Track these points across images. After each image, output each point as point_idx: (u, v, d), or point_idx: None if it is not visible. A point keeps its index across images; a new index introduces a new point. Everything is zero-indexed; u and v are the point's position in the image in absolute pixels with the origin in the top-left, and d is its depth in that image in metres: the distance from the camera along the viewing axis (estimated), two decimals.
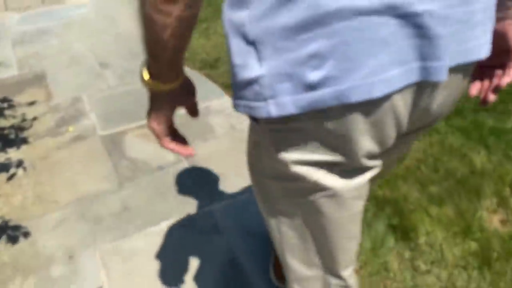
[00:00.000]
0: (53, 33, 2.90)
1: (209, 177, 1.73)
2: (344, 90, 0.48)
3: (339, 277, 0.75)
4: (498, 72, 0.69)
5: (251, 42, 0.51)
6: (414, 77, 0.50)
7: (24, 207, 1.62)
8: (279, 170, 0.61)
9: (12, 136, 1.99)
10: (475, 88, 0.72)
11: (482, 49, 0.54)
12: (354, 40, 0.47)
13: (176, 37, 0.51)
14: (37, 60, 2.59)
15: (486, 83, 0.71)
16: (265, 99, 0.52)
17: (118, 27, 2.94)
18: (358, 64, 0.48)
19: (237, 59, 0.53)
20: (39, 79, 2.41)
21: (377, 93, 0.49)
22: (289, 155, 0.58)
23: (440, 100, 0.58)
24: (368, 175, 0.62)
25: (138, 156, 1.85)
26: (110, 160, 1.83)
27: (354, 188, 0.62)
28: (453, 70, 0.54)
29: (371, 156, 0.59)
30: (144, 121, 2.06)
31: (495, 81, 0.69)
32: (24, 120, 2.09)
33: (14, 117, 2.12)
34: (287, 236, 0.71)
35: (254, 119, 0.60)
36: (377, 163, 0.62)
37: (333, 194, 0.61)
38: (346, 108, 0.51)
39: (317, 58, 0.48)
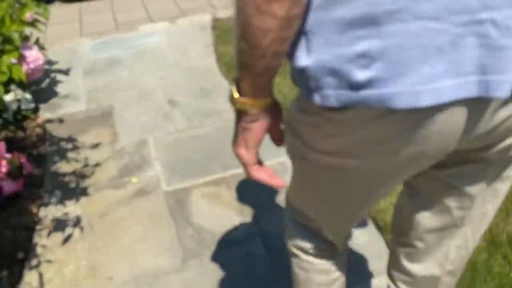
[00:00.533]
0: (123, 63, 2.79)
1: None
2: (390, 94, 0.47)
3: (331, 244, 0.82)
4: None
5: (303, 32, 0.50)
6: (470, 92, 0.47)
7: (76, 280, 1.42)
8: (323, 145, 0.59)
9: (73, 184, 1.84)
10: None
11: None
12: (408, 44, 0.45)
13: (278, 41, 0.50)
14: (105, 94, 2.47)
15: None
16: (309, 90, 0.51)
17: (189, 60, 2.77)
18: (409, 70, 0.46)
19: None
20: (106, 117, 2.28)
21: (425, 102, 0.46)
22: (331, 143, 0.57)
23: (494, 122, 0.53)
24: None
25: (204, 223, 1.61)
26: (174, 226, 1.60)
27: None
28: None
29: (415, 165, 0.57)
30: (212, 176, 1.83)
31: None
32: (86, 165, 1.94)
33: (77, 161, 1.98)
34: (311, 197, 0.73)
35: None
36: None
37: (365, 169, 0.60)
38: (389, 112, 0.49)
39: (366, 58, 0.47)
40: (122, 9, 3.72)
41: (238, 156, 0.61)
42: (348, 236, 0.88)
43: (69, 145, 2.08)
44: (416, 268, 0.76)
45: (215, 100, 2.34)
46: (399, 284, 0.81)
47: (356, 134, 0.53)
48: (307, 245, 0.84)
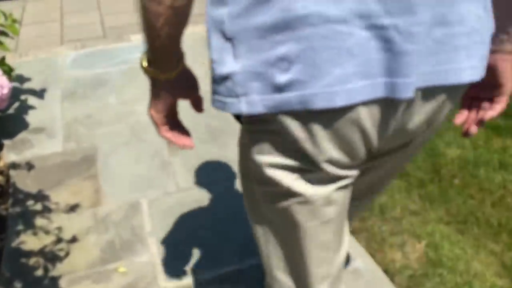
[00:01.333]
0: (111, 85, 2.30)
1: None
2: (308, 95, 0.49)
3: None
4: (486, 105, 0.68)
5: (228, 39, 0.52)
6: (379, 92, 0.50)
7: None
8: (257, 172, 0.61)
9: (39, 272, 1.38)
10: (460, 118, 0.71)
11: (463, 74, 0.53)
12: (321, 47, 0.48)
13: (170, 25, 0.52)
14: (87, 129, 2.00)
15: (472, 114, 0.70)
16: (237, 96, 0.53)
17: None
18: (323, 72, 0.49)
19: (215, 55, 0.54)
20: (87, 163, 1.81)
21: (339, 102, 0.49)
22: (263, 157, 0.59)
23: (417, 121, 0.57)
24: (341, 183, 0.62)
25: None
26: None
27: (325, 196, 0.62)
28: (429, 91, 0.54)
29: (340, 165, 0.59)
30: (225, 268, 1.39)
31: (481, 114, 0.69)
32: (59, 240, 1.48)
33: (47, 232, 1.52)
34: (270, 242, 0.71)
35: (238, 119, 0.66)
36: (349, 173, 0.62)
37: (304, 201, 0.62)
38: (310, 114, 0.52)
39: (285, 61, 0.49)
40: (111, 10, 3.20)
41: (150, 117, 0.64)
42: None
43: (39, 207, 1.61)
44: None
45: (227, 146, 1.89)
46: None
47: (286, 143, 0.56)
48: None
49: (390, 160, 0.68)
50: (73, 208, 1.61)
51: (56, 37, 2.84)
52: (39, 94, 2.22)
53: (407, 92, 0.50)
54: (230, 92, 0.53)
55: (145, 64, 0.59)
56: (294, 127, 0.53)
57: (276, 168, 0.59)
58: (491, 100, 0.68)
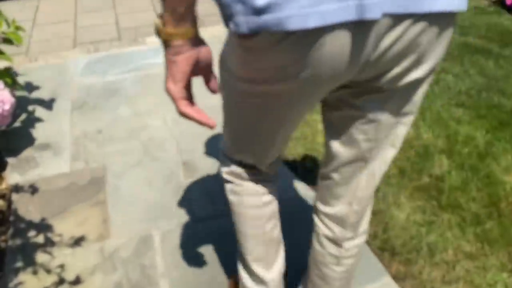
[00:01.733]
0: (123, 94, 2.12)
1: None
2: (283, 17, 0.51)
3: (263, 172, 0.90)
4: None
5: None
6: (350, 15, 0.51)
7: None
8: (236, 75, 0.66)
9: None
10: None
11: (437, 2, 0.53)
12: None
13: None
14: (97, 146, 1.83)
15: None
16: (226, 18, 0.56)
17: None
18: None
19: None
20: (95, 186, 1.64)
21: (311, 23, 0.50)
22: (243, 70, 0.63)
23: (396, 50, 0.58)
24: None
25: None
26: None
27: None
28: (404, 18, 0.54)
29: (314, 83, 0.61)
30: None
31: None
32: (61, 282, 1.32)
33: (48, 271, 1.35)
34: (237, 127, 0.81)
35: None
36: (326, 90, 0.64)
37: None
38: (286, 36, 0.53)
39: None
40: (127, 9, 3.01)
41: (167, 91, 0.63)
42: (277, 163, 0.92)
43: (40, 239, 1.45)
44: (327, 209, 0.88)
45: None
46: (322, 216, 0.90)
47: (262, 60, 0.58)
48: (238, 169, 0.90)
49: (380, 103, 0.68)
50: (78, 242, 1.44)
51: (69, 40, 2.68)
52: (48, 104, 2.06)
53: (374, 12, 0.51)
54: (223, 14, 0.56)
55: (159, 24, 0.59)
56: (276, 47, 0.55)
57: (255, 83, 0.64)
58: None
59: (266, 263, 0.97)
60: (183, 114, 0.65)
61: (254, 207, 0.92)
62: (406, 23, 0.54)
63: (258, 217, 0.93)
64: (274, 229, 0.96)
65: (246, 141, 0.82)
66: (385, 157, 0.77)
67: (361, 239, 0.90)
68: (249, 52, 0.58)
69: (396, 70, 0.61)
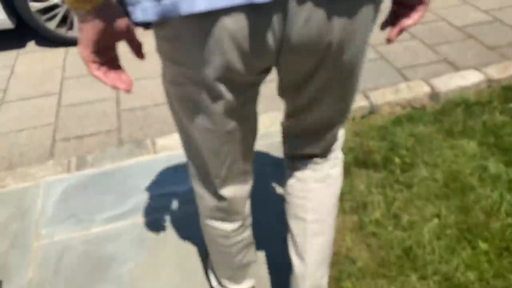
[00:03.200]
0: (119, 270, 1.25)
1: None
2: (177, 2, 0.51)
3: (217, 195, 0.85)
4: (406, 13, 0.69)
5: None
6: None
7: None
8: (168, 75, 0.67)
9: None
10: (385, 25, 0.73)
11: None
12: None
13: None
14: None
15: (396, 22, 0.71)
16: (133, 4, 0.55)
17: None
18: None
19: None
20: None
21: (200, 7, 0.50)
22: (169, 63, 0.63)
23: (302, 37, 0.56)
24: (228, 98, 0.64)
25: None
26: None
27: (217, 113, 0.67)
28: (304, 1, 0.52)
29: (224, 79, 0.61)
30: None
31: (401, 22, 0.70)
32: None
33: None
34: (188, 140, 0.77)
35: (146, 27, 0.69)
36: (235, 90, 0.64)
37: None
38: (185, 21, 0.53)
39: None
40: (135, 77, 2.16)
41: (80, 54, 0.63)
42: (244, 198, 0.89)
43: None
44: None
45: None
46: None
47: (176, 48, 0.58)
48: (211, 206, 0.88)
49: (312, 82, 0.68)
50: None
51: (46, 140, 1.84)
52: None
53: None
54: (129, 0, 0.55)
55: None
56: (177, 33, 0.56)
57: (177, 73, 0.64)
58: (412, 9, 0.68)
59: (235, 280, 1.05)
60: (93, 76, 0.64)
61: (224, 242, 0.95)
62: (307, 6, 0.53)
63: (228, 249, 0.96)
64: (243, 258, 1.00)
65: (195, 154, 0.79)
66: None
67: (334, 163, 0.93)
68: (164, 42, 0.59)
69: (315, 57, 0.61)
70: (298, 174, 0.92)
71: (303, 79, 0.67)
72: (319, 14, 0.54)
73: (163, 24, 0.56)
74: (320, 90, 0.69)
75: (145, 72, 2.29)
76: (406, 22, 0.69)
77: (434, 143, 1.65)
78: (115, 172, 1.60)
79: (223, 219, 0.90)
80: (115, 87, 0.65)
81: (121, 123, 1.92)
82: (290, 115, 0.82)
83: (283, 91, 0.74)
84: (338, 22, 0.56)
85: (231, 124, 0.70)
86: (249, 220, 0.96)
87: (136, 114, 1.98)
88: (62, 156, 1.74)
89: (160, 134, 1.83)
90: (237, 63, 0.58)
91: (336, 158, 0.92)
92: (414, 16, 0.68)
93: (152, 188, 1.53)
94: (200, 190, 0.86)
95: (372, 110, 1.85)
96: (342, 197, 1.46)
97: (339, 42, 0.59)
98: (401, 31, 0.70)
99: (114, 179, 1.57)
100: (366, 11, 0.58)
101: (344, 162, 1.60)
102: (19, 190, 1.55)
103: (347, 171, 1.56)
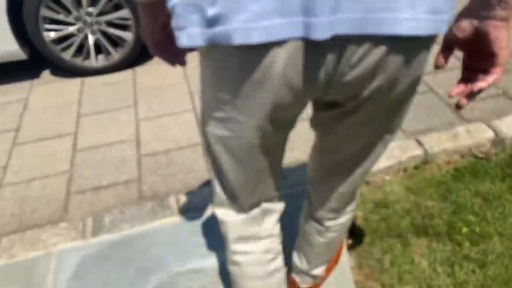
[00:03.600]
0: None
1: None
2: (230, 30, 0.49)
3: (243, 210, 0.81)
4: (480, 77, 0.62)
5: None
6: (296, 32, 0.49)
7: None
8: (208, 99, 0.65)
9: None
10: (455, 90, 0.65)
11: (400, 25, 0.49)
12: None
13: None
14: None
15: (468, 87, 0.64)
16: (180, 29, 0.53)
17: None
18: (242, 7, 0.48)
19: None
20: None
21: (255, 39, 0.49)
22: (212, 88, 0.62)
23: (355, 73, 0.54)
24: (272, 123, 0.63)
25: None
26: None
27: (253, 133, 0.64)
28: (363, 40, 0.50)
29: (269, 114, 0.60)
30: None
31: (473, 86, 0.63)
32: None
33: None
34: (221, 161, 0.73)
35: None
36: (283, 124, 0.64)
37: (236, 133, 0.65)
38: (236, 49, 0.52)
39: None
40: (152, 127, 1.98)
41: (144, 39, 0.73)
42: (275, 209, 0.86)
43: None
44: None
45: None
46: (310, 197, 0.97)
47: (221, 76, 0.57)
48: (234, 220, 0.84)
49: (348, 121, 0.66)
50: None
51: (60, 193, 1.66)
52: None
53: (322, 33, 0.48)
54: (176, 25, 0.53)
55: None
56: (229, 62, 0.54)
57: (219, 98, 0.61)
58: (486, 71, 0.61)
59: None
60: (155, 55, 0.74)
61: (259, 279, 0.89)
62: (366, 45, 0.51)
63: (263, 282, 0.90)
64: None
65: (226, 184, 0.77)
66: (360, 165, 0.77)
67: (345, 218, 0.94)
68: (212, 70, 0.58)
69: (365, 93, 0.58)
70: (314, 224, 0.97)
71: (346, 111, 0.65)
72: (375, 54, 0.52)
73: (211, 50, 0.55)
74: (361, 124, 0.66)
75: (166, 107, 2.10)
76: (480, 84, 0.61)
77: (507, 206, 1.40)
78: (136, 239, 1.40)
79: (254, 238, 0.85)
80: (169, 63, 0.76)
81: (141, 171, 1.73)
82: (320, 150, 0.80)
83: (320, 122, 0.72)
84: (393, 62, 0.54)
85: (265, 154, 0.69)
86: (280, 246, 0.91)
87: (158, 160, 1.78)
88: (77, 214, 1.56)
89: (185, 187, 1.63)
90: (285, 98, 0.57)
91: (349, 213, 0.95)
92: (489, 80, 0.61)
93: (177, 262, 1.33)
94: (226, 218, 0.83)
95: (427, 160, 1.61)
96: (401, 278, 1.23)
97: (391, 80, 0.57)
98: (473, 94, 0.63)
99: (134, 248, 1.38)
100: (421, 53, 0.55)
101: (400, 228, 1.37)
102: (28, 261, 1.37)
103: (405, 241, 1.33)
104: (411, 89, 0.62)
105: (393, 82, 0.57)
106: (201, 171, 1.70)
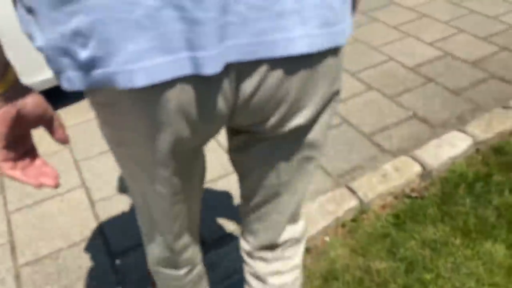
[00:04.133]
0: None
1: None
2: (112, 73, 0.43)
3: (169, 249, 0.76)
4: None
5: (29, 10, 0.45)
6: (184, 69, 0.44)
7: None
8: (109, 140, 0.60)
9: None
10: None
11: (293, 44, 0.46)
12: (108, 20, 0.41)
13: None
14: None
15: None
16: (57, 73, 0.47)
17: None
18: (117, 48, 0.42)
19: (23, 28, 0.47)
20: None
21: (139, 82, 0.43)
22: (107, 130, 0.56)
23: (262, 99, 0.51)
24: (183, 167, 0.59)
25: None
26: None
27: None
28: (257, 65, 0.47)
29: (172, 149, 0.54)
30: None
31: None
32: None
33: None
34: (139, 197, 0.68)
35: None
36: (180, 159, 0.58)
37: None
38: (121, 93, 0.47)
39: (81, 36, 0.42)
40: None
41: None
42: (194, 250, 0.82)
43: None
44: (251, 239, 0.83)
45: None
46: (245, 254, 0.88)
47: (118, 119, 0.51)
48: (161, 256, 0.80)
49: (271, 151, 0.63)
50: None
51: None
52: None
53: (212, 67, 0.44)
54: (52, 69, 0.47)
55: None
56: (116, 105, 0.48)
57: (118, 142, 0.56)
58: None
59: None
60: (10, 177, 0.54)
61: (177, 284, 0.85)
62: (262, 69, 0.47)
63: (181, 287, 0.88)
64: None
65: (146, 214, 0.70)
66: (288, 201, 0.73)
67: (290, 277, 0.85)
68: (104, 110, 0.51)
69: (273, 118, 0.55)
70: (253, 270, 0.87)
71: (260, 138, 0.62)
72: (274, 77, 0.49)
73: (95, 91, 0.48)
74: (274, 145, 0.63)
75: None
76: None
77: (456, 254, 1.31)
78: None
79: (175, 267, 0.81)
80: (40, 186, 0.55)
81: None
82: (244, 183, 0.73)
83: (235, 150, 0.68)
84: (296, 83, 0.51)
85: (180, 184, 0.62)
86: (200, 257, 0.87)
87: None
88: None
89: None
90: (186, 132, 0.52)
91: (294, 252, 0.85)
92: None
93: None
94: (150, 245, 0.78)
95: (363, 209, 1.48)
96: None
97: (300, 101, 0.53)
98: None
99: None
100: (327, 63, 0.51)
101: None
102: None
103: None
104: (328, 108, 0.59)
105: (302, 104, 0.54)
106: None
